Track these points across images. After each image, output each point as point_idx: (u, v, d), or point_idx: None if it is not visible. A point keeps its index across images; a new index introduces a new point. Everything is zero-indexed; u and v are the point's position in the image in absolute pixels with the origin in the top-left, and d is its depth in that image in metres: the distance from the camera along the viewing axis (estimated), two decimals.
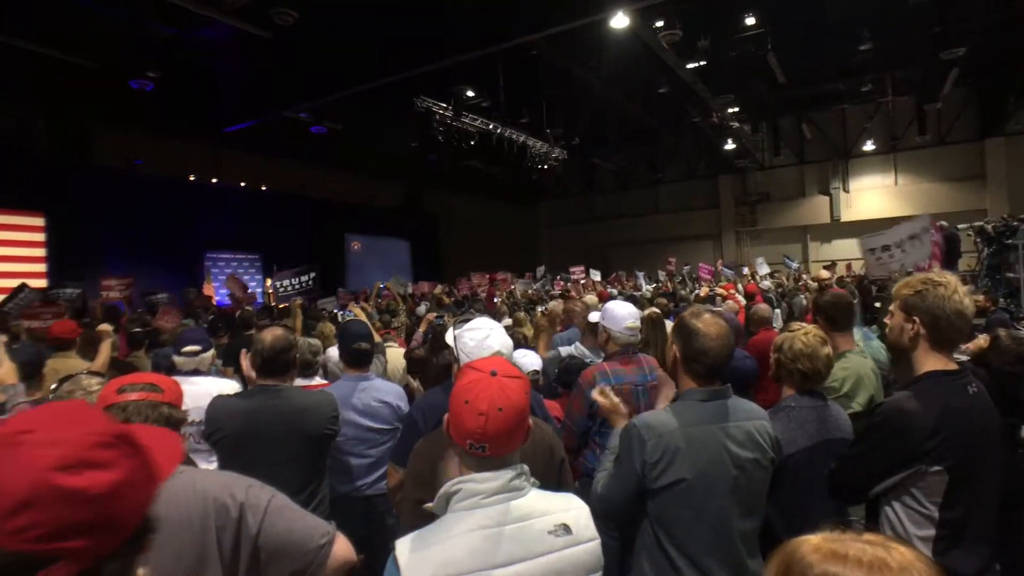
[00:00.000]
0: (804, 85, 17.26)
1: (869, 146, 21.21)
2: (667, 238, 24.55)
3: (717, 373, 1.91)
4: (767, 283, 11.46)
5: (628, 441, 1.86)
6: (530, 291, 12.77)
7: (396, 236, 20.77)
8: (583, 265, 14.56)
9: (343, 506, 2.83)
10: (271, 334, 2.59)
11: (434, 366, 2.85)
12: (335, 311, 8.62)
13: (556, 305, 6.82)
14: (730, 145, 19.45)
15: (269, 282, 13.85)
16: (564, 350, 4.00)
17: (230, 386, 2.92)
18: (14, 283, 11.35)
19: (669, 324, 4.37)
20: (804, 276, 14.57)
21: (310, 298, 7.57)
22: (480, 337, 1.97)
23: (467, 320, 2.13)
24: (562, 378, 3.55)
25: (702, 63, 13.32)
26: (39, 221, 12.26)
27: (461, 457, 1.36)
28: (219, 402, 2.49)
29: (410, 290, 12.21)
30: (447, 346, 2.19)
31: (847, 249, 21.16)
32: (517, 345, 4.30)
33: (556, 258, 25.98)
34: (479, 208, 23.84)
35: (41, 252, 12.25)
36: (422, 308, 8.16)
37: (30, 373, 3.34)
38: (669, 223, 25.09)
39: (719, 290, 9.06)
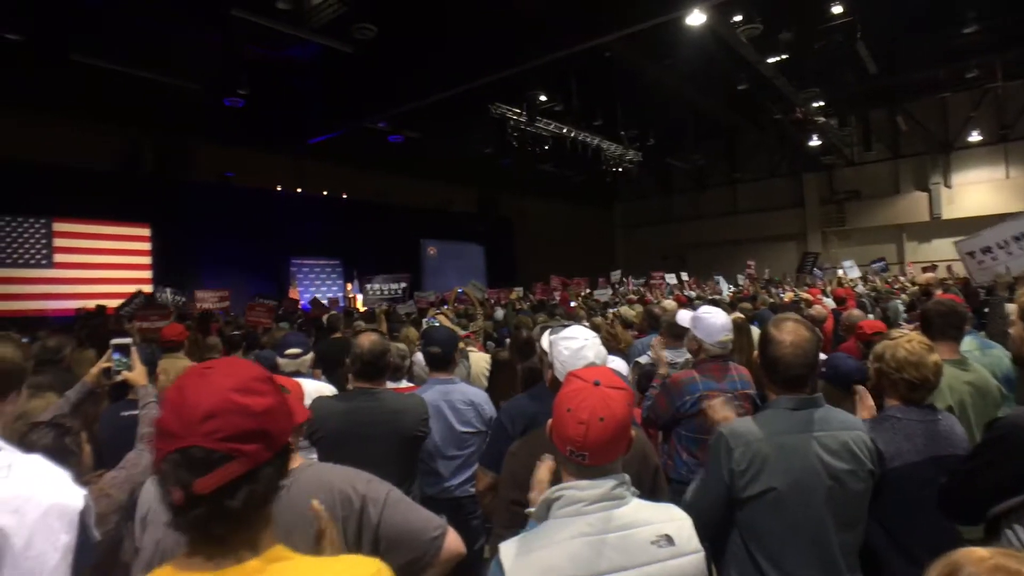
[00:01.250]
0: (898, 74, 16.18)
1: (975, 136, 19.66)
2: (747, 239, 23.68)
3: (798, 381, 1.85)
4: (861, 287, 10.87)
5: (716, 449, 1.83)
6: (604, 298, 12.64)
7: (471, 241, 21.06)
8: (662, 271, 14.23)
9: (430, 507, 2.90)
10: (368, 339, 2.68)
11: (522, 370, 2.88)
12: (414, 315, 8.84)
13: (627, 311, 6.78)
14: (815, 141, 18.58)
15: (349, 287, 14.42)
16: (643, 359, 3.97)
17: (328, 388, 3.06)
18: (125, 288, 12.44)
19: (754, 330, 4.26)
20: (901, 278, 13.72)
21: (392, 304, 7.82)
22: (576, 347, 1.98)
23: (563, 327, 2.14)
24: (642, 384, 3.52)
25: (784, 57, 12.80)
26: (145, 231, 13.29)
27: (563, 464, 1.37)
28: (320, 402, 2.60)
29: (486, 295, 12.37)
30: (536, 352, 2.22)
31: (949, 249, 19.65)
32: None
33: (631, 260, 25.60)
34: (553, 211, 23.84)
35: (147, 260, 13.29)
36: (499, 312, 8.24)
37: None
38: (749, 224, 24.18)
39: (804, 295, 8.66)
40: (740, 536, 1.81)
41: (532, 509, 1.37)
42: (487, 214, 21.00)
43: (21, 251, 11.71)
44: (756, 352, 1.93)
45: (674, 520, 1.36)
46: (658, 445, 3.09)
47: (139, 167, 12.62)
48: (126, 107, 11.63)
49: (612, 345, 4.87)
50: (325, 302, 12.53)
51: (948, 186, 20.47)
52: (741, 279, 13.92)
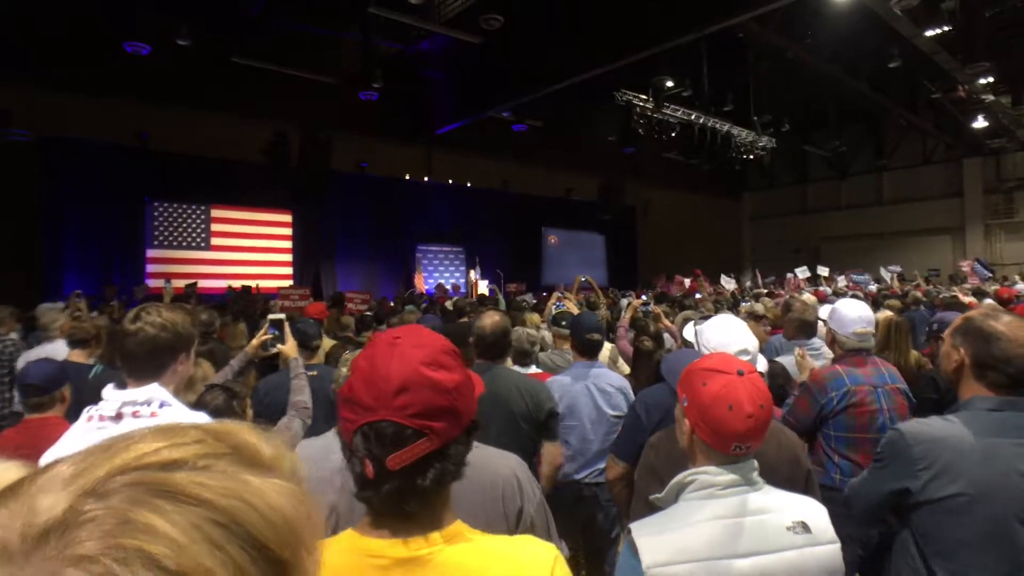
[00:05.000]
0: None
1: None
2: (892, 232, 21.73)
3: (1020, 383, 1.65)
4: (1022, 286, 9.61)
5: (891, 445, 1.70)
6: (730, 287, 12.06)
7: (592, 230, 20.87)
8: (795, 272, 13.31)
9: (571, 491, 2.95)
10: (491, 319, 2.74)
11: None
12: (534, 301, 8.93)
13: (758, 306, 6.40)
14: (981, 123, 16.57)
15: (472, 273, 14.80)
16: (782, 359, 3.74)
17: None
18: (269, 270, 13.56)
19: None
20: None
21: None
22: (728, 335, 1.91)
23: (706, 317, 2.07)
24: (771, 385, 3.33)
25: (947, 28, 11.48)
26: (288, 218, 14.39)
27: (705, 454, 1.35)
28: None
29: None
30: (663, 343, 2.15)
31: None
32: None
33: (760, 253, 24.31)
34: (678, 200, 23.08)
35: (288, 244, 14.39)
36: (624, 301, 8.14)
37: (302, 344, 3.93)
38: (895, 215, 22.06)
39: (961, 296, 7.75)
40: (914, 542, 1.65)
41: (660, 495, 1.37)
42: (609, 203, 20.71)
43: (185, 234, 12.99)
44: (956, 349, 1.74)
45: (810, 509, 1.33)
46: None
47: (285, 158, 13.65)
48: (275, 103, 12.64)
49: None
50: (448, 288, 12.99)
51: None
52: (886, 274, 12.75)
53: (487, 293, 10.54)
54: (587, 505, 3.04)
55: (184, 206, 12.95)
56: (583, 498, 3.04)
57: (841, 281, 12.45)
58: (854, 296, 7.23)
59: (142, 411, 1.59)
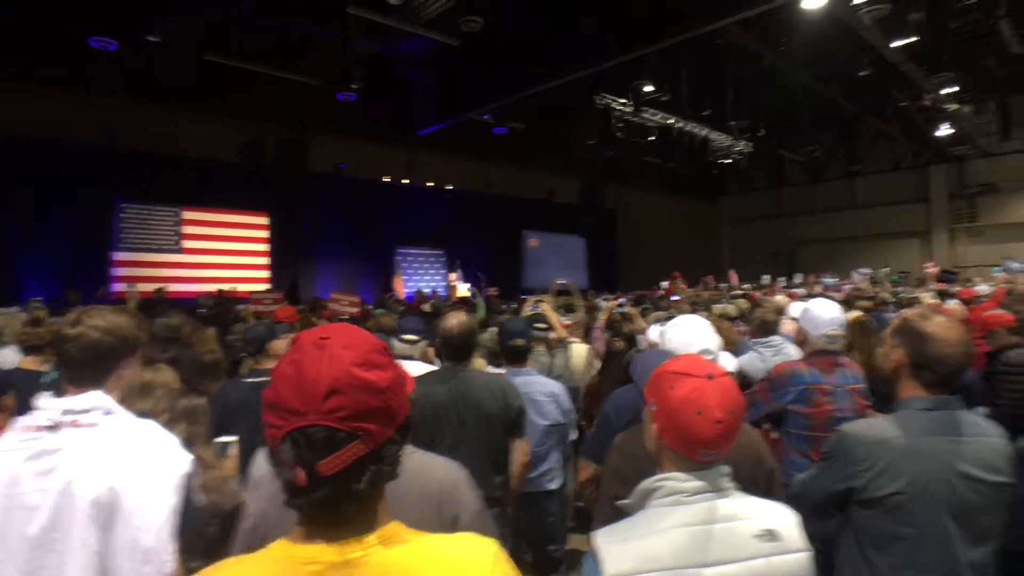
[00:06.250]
0: None
1: None
2: (865, 236, 22.18)
3: (951, 382, 1.72)
4: (983, 287, 9.87)
5: (836, 445, 1.77)
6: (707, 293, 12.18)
7: (573, 233, 20.93)
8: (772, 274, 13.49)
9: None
10: (456, 319, 2.71)
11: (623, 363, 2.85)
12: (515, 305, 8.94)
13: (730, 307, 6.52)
14: (945, 130, 17.00)
15: (453, 276, 14.77)
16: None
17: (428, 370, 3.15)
18: (245, 274, 13.33)
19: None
20: None
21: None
22: (689, 335, 1.93)
23: (671, 317, 2.10)
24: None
25: (914, 39, 11.77)
26: (264, 220, 14.20)
27: (673, 460, 1.33)
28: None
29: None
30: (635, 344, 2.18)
31: None
32: None
33: (738, 256, 24.62)
34: (658, 204, 23.31)
35: (265, 247, 14.21)
36: (602, 302, 8.21)
37: (256, 349, 3.86)
38: (868, 219, 22.52)
39: (923, 297, 7.90)
40: (856, 540, 1.72)
41: (628, 500, 1.34)
42: (589, 206, 20.82)
43: (154, 236, 12.59)
44: (895, 348, 1.79)
45: (779, 516, 1.31)
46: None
47: (260, 159, 13.45)
48: (250, 102, 12.40)
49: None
50: (428, 292, 12.96)
51: None
52: (858, 277, 13.00)
53: (468, 296, 10.54)
54: (528, 514, 3.03)
55: (154, 207, 12.57)
56: (521, 507, 3.01)
57: (819, 288, 12.67)
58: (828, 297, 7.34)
59: (82, 420, 1.50)
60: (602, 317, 5.03)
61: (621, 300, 7.48)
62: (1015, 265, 12.01)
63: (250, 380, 3.29)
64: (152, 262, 12.55)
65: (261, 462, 1.58)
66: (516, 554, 2.96)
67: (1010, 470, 1.68)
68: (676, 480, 1.28)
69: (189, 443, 1.73)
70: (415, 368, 3.20)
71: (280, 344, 3.60)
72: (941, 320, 1.76)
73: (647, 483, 1.31)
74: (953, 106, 15.05)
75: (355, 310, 7.29)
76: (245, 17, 10.24)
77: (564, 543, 3.42)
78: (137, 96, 11.42)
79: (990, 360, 3.13)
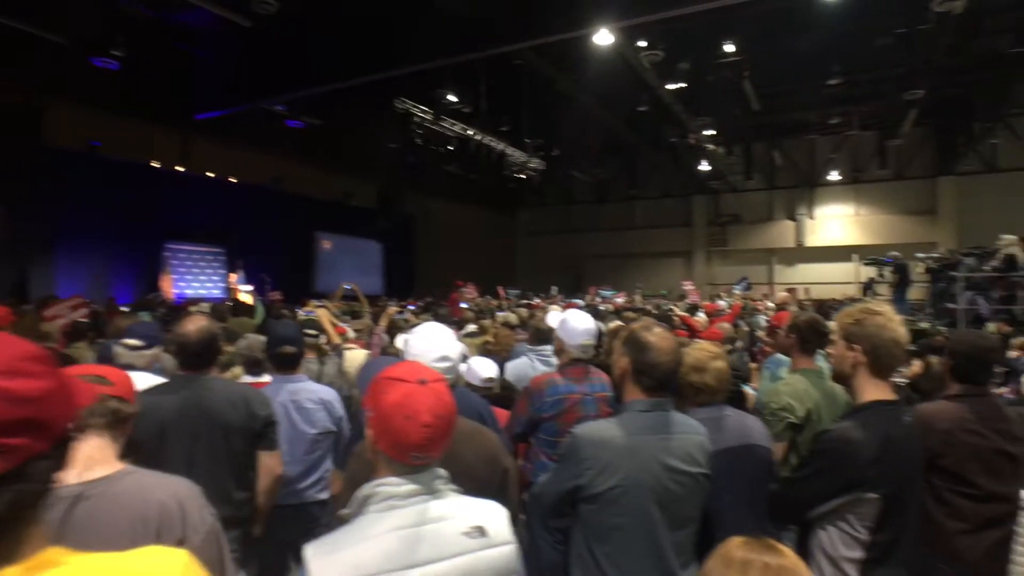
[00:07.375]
0: (776, 113, 17.68)
1: (834, 176, 22.00)
2: (640, 253, 24.89)
3: (665, 387, 1.93)
4: (722, 302, 11.65)
5: (567, 447, 1.90)
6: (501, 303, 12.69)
7: (369, 237, 20.41)
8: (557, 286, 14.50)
9: (276, 513, 2.74)
10: (195, 324, 2.47)
11: None
12: (297, 310, 8.44)
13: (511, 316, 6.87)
14: (705, 166, 19.76)
15: (233, 277, 13.53)
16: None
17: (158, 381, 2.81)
18: None
19: None
20: (766, 298, 14.83)
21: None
22: (428, 343, 1.94)
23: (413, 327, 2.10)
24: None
25: (682, 85, 13.50)
26: None
27: (388, 465, 1.33)
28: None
29: None
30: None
31: (810, 273, 22.08)
32: (482, 353, 4.29)
33: (532, 268, 26.13)
34: (456, 214, 23.72)
35: None
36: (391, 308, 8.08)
37: None
38: (643, 239, 25.37)
39: (675, 310, 8.94)
40: (583, 536, 1.86)
41: (346, 510, 1.33)
42: (388, 211, 20.48)
43: None
44: (622, 356, 1.96)
45: (488, 512, 1.37)
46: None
47: None
48: None
49: (496, 348, 4.89)
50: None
51: (812, 217, 22.75)
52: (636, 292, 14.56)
53: (250, 300, 9.71)
54: (295, 527, 2.88)
55: None
56: (288, 520, 2.88)
57: (598, 300, 13.86)
58: (591, 310, 8.03)
59: None
60: (382, 322, 4.95)
61: (411, 307, 7.46)
62: (737, 288, 14.81)
63: None
64: None
65: None
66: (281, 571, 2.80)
67: (707, 462, 1.92)
68: (390, 485, 1.29)
69: None
70: (142, 379, 2.84)
71: None
72: (659, 331, 1.97)
73: (364, 490, 1.31)
74: (710, 146, 17.53)
75: (79, 312, 6.10)
76: None
77: None
78: None
79: None
